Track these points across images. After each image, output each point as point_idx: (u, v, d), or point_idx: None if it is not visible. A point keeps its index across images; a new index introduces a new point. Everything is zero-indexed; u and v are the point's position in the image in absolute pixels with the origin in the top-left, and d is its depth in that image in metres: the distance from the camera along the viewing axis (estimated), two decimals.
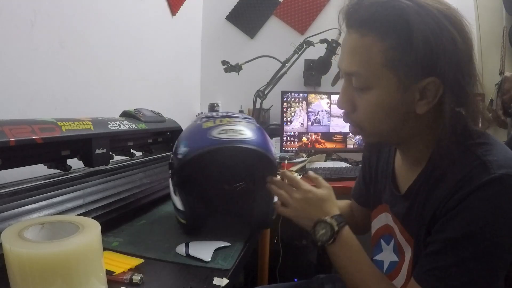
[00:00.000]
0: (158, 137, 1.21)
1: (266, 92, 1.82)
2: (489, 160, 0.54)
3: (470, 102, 0.58)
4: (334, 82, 1.85)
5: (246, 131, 0.74)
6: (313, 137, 1.84)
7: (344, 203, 1.00)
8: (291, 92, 1.82)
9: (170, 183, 0.81)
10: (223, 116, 0.80)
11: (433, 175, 0.61)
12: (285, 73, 1.81)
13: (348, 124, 0.68)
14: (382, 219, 0.79)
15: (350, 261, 0.68)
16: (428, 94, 0.57)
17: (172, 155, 0.80)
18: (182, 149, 0.75)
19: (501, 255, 0.53)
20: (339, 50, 0.76)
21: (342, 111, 0.66)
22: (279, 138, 1.82)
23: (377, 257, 0.80)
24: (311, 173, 0.80)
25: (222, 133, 0.73)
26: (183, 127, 0.90)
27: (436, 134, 0.59)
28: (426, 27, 0.52)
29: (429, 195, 0.61)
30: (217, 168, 0.84)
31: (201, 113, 2.16)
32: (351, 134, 1.86)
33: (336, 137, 1.85)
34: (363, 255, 0.68)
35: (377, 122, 0.61)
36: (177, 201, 0.79)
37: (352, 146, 1.87)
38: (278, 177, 0.80)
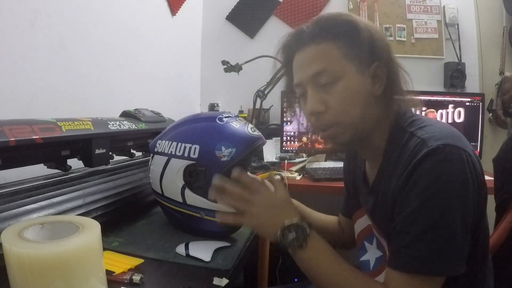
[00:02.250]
0: None
1: (266, 92, 1.81)
2: (427, 137, 0.61)
3: (401, 87, 0.69)
4: None
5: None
6: (313, 137, 1.84)
7: (332, 218, 1.02)
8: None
9: (195, 194, 0.77)
10: (236, 115, 0.83)
11: (389, 165, 0.67)
12: (285, 73, 1.81)
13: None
14: (363, 222, 0.81)
15: (329, 263, 0.64)
16: (379, 75, 0.67)
17: (191, 163, 0.76)
18: (227, 151, 0.75)
19: (456, 218, 0.57)
20: None
21: (309, 124, 0.71)
22: (279, 138, 1.82)
23: (363, 258, 0.81)
24: (272, 176, 0.74)
25: (253, 130, 0.81)
26: None
27: (387, 126, 0.70)
28: (364, 24, 0.67)
29: (387, 185, 0.67)
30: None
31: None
32: None
33: None
34: (339, 256, 0.66)
35: (350, 109, 0.66)
36: (222, 205, 0.75)
37: None
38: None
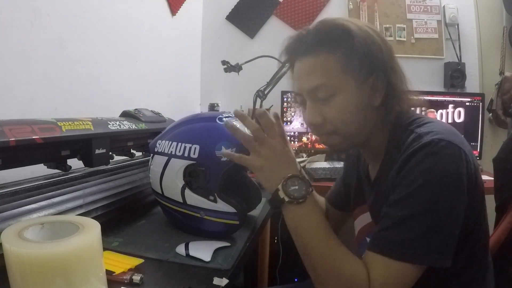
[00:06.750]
0: None
1: (266, 92, 1.81)
2: (425, 132, 0.62)
3: (402, 91, 0.69)
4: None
5: None
6: (313, 137, 1.84)
7: (322, 199, 1.05)
8: (291, 92, 1.82)
9: (195, 194, 0.78)
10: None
11: (388, 162, 0.69)
12: (285, 73, 1.81)
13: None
14: (365, 218, 0.82)
15: (319, 225, 0.63)
16: (378, 86, 0.67)
17: (191, 163, 0.76)
18: (227, 151, 0.74)
19: (442, 211, 0.57)
20: None
21: (311, 128, 0.72)
22: None
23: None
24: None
25: None
26: None
27: (387, 128, 0.71)
28: (362, 34, 0.65)
29: (386, 180, 0.68)
30: None
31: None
32: None
33: None
34: (327, 224, 0.65)
35: (348, 121, 0.67)
36: (222, 205, 0.77)
37: None
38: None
